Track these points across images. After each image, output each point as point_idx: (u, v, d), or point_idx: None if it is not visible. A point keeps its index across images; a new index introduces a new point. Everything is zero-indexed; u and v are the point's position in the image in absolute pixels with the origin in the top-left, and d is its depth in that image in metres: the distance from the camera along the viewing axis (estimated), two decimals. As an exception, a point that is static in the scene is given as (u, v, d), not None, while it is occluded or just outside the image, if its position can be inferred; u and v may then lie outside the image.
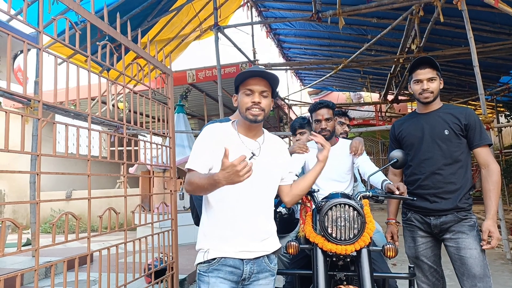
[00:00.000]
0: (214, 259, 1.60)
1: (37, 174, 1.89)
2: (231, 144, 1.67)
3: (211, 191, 1.55)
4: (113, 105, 6.81)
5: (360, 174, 2.64)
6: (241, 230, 1.62)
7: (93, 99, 7.44)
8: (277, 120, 11.65)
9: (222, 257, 1.60)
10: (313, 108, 2.60)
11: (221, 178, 1.42)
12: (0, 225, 1.64)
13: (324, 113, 2.52)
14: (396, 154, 2.17)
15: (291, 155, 2.69)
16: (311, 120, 2.70)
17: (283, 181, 1.81)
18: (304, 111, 15.99)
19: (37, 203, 1.87)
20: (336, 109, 2.74)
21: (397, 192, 1.95)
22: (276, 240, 1.75)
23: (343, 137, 3.00)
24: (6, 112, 1.75)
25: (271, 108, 1.83)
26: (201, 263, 1.63)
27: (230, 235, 1.62)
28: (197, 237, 1.71)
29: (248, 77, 1.69)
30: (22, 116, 1.89)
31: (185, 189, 1.66)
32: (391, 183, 2.09)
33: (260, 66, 1.97)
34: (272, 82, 1.71)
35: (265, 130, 1.85)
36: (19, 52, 5.64)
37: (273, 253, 1.72)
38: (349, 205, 1.74)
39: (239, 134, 1.73)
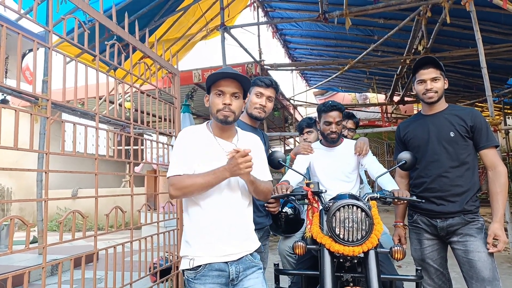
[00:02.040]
0: (199, 266, 1.63)
1: (45, 172, 1.90)
2: (209, 147, 1.72)
3: (216, 184, 1.61)
4: (120, 105, 6.85)
5: (367, 175, 2.63)
6: (222, 235, 1.65)
7: (100, 98, 7.48)
8: (282, 120, 11.64)
9: (207, 263, 1.63)
10: (325, 109, 2.55)
11: (226, 170, 1.56)
12: (9, 223, 1.65)
13: (336, 116, 2.50)
14: (405, 155, 2.15)
15: (295, 156, 2.68)
16: (318, 120, 2.67)
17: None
18: (309, 112, 15.95)
19: (45, 201, 1.88)
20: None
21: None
22: (255, 237, 1.79)
23: None
24: (15, 110, 1.76)
25: (272, 109, 1.84)
26: (187, 269, 1.66)
27: (212, 242, 1.64)
28: (181, 244, 1.73)
29: (219, 78, 1.71)
30: (31, 114, 1.90)
31: (171, 196, 1.66)
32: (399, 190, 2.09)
33: (232, 68, 2.00)
34: (243, 84, 1.73)
35: (238, 129, 1.87)
36: (27, 51, 5.70)
37: (255, 250, 1.76)
38: (357, 206, 1.73)
39: (215, 137, 1.76)
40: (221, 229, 1.65)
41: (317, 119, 2.68)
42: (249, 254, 1.72)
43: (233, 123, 1.77)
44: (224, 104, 1.69)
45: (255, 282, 1.68)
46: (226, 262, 1.64)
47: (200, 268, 1.63)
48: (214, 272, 1.63)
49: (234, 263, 1.66)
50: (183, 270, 1.69)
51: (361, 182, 2.80)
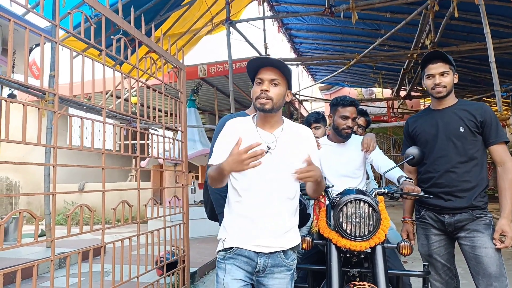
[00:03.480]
0: (231, 248, 1.64)
1: (53, 167, 1.91)
2: (249, 137, 1.68)
3: (222, 180, 1.61)
4: (126, 100, 6.87)
5: (373, 169, 2.61)
6: (258, 226, 1.63)
7: (106, 92, 7.49)
8: (288, 115, 11.62)
9: (238, 247, 1.63)
10: (344, 103, 2.48)
11: (225, 165, 1.50)
12: (17, 216, 1.67)
13: (353, 111, 2.46)
14: (413, 151, 2.13)
15: None
16: (330, 113, 2.61)
17: None
18: (315, 107, 15.91)
19: (52, 195, 1.89)
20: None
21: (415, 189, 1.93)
22: (295, 235, 1.72)
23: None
24: (23, 104, 1.77)
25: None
26: (220, 251, 1.68)
27: (247, 230, 1.64)
28: (219, 229, 1.76)
29: (259, 67, 1.69)
30: (39, 109, 1.91)
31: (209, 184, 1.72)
32: (407, 179, 2.07)
33: (272, 57, 1.98)
34: (284, 72, 1.68)
35: (285, 120, 1.81)
36: (34, 46, 5.72)
37: (291, 249, 1.69)
38: (365, 202, 1.73)
39: (257, 128, 1.73)
40: (256, 220, 1.63)
41: (330, 113, 2.62)
42: (282, 251, 1.66)
43: (273, 112, 1.69)
44: (261, 90, 1.65)
45: (279, 282, 1.65)
46: (257, 252, 1.63)
47: (230, 250, 1.64)
48: (243, 258, 1.63)
49: (264, 256, 1.63)
50: (217, 252, 1.71)
51: (368, 177, 2.78)
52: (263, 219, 1.64)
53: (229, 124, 1.77)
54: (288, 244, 1.68)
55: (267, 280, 1.65)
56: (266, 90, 1.65)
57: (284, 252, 1.67)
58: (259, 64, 1.69)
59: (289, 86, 1.74)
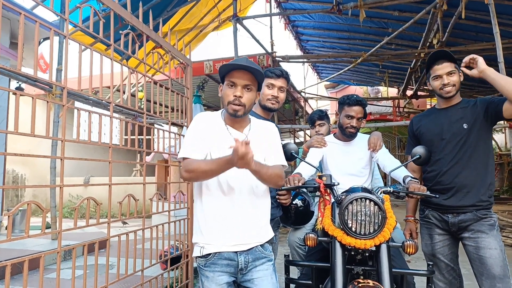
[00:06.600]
0: (209, 254, 1.65)
1: (61, 160, 1.93)
2: (219, 134, 1.71)
3: (220, 173, 1.58)
4: (133, 95, 6.88)
5: (380, 167, 2.61)
6: (232, 225, 1.65)
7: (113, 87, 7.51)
8: (293, 113, 11.60)
9: (216, 252, 1.64)
10: (349, 102, 2.49)
11: (229, 161, 1.49)
12: (24, 208, 1.68)
13: (359, 111, 2.47)
14: (419, 150, 2.13)
15: (308, 149, 2.67)
16: (337, 112, 2.62)
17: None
18: (320, 105, 15.87)
19: (60, 187, 1.91)
20: None
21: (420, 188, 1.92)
22: (269, 229, 1.77)
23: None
24: (33, 97, 1.79)
25: (284, 101, 1.79)
26: (199, 257, 1.69)
27: (222, 231, 1.65)
28: (193, 231, 1.75)
29: (232, 69, 1.68)
30: (47, 102, 1.92)
31: (182, 177, 1.66)
32: (412, 178, 2.06)
33: (248, 59, 1.97)
34: (257, 76, 1.69)
35: (252, 118, 1.84)
36: (42, 39, 5.75)
37: (267, 242, 1.74)
38: (370, 200, 1.72)
39: (227, 126, 1.74)
40: (232, 219, 1.65)
41: (337, 111, 2.65)
42: (260, 245, 1.70)
43: (244, 117, 1.72)
44: (235, 96, 1.66)
45: (264, 273, 1.67)
46: (236, 252, 1.65)
47: (210, 256, 1.65)
48: (223, 261, 1.64)
49: (244, 253, 1.66)
50: (195, 257, 1.71)
51: (377, 181, 2.78)
52: (238, 218, 1.66)
53: (198, 118, 1.77)
54: (264, 238, 1.73)
55: (252, 275, 1.67)
56: (240, 96, 1.66)
57: (262, 245, 1.71)
58: (233, 67, 1.68)
59: (259, 88, 1.76)
